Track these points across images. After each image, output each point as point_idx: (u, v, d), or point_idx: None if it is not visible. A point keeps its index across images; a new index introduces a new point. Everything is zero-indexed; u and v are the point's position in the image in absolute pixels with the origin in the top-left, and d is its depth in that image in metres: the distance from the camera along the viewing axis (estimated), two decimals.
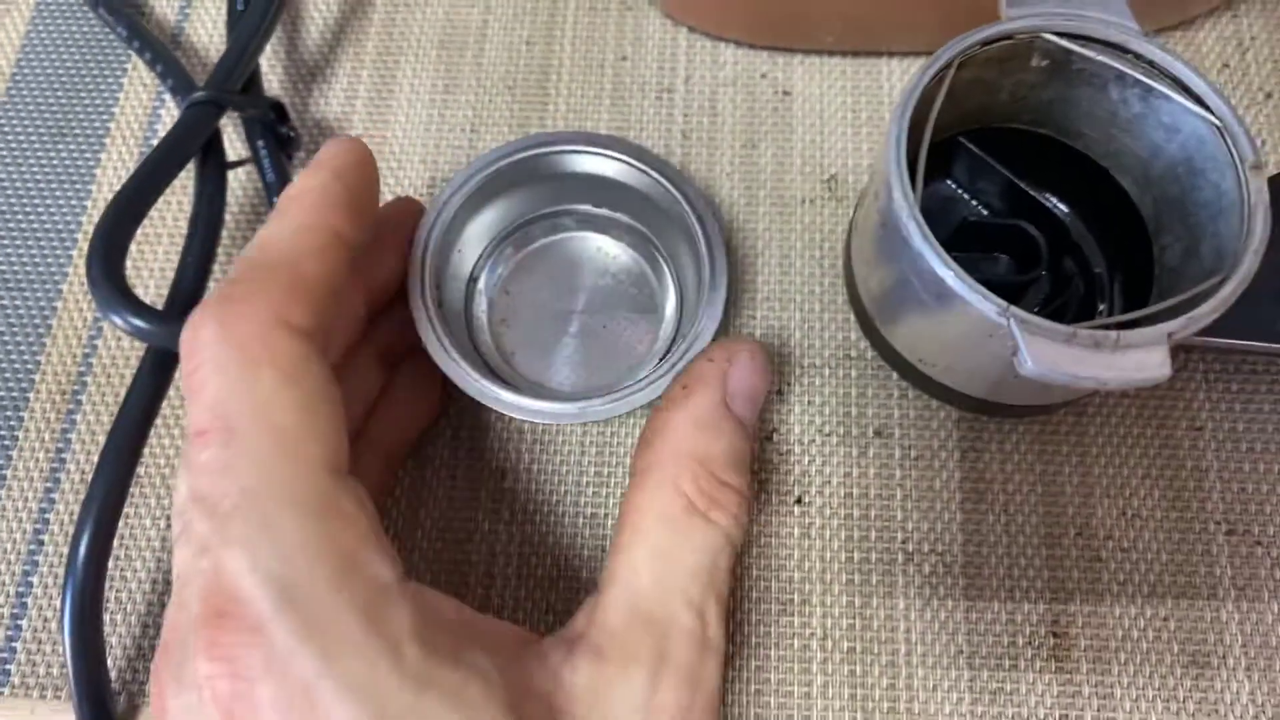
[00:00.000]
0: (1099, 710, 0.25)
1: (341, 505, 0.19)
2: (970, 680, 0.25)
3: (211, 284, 0.27)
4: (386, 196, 0.31)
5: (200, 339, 0.19)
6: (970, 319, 0.21)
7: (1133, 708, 0.25)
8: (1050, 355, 0.20)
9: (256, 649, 0.17)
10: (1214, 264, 0.22)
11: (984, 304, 0.20)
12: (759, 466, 0.27)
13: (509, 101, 0.32)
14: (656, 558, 0.21)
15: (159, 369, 0.25)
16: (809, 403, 0.28)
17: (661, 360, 0.26)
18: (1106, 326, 0.20)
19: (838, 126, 0.31)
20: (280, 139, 0.29)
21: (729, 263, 0.25)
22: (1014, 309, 0.20)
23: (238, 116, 0.29)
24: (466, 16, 0.33)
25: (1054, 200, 0.27)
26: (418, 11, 0.33)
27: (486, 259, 0.28)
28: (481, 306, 0.28)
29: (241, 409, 0.18)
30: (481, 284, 0.28)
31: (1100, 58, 0.23)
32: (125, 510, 0.25)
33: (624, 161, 0.26)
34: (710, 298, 0.25)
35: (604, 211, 0.28)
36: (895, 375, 0.28)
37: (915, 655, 0.26)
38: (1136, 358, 0.20)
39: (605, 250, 0.28)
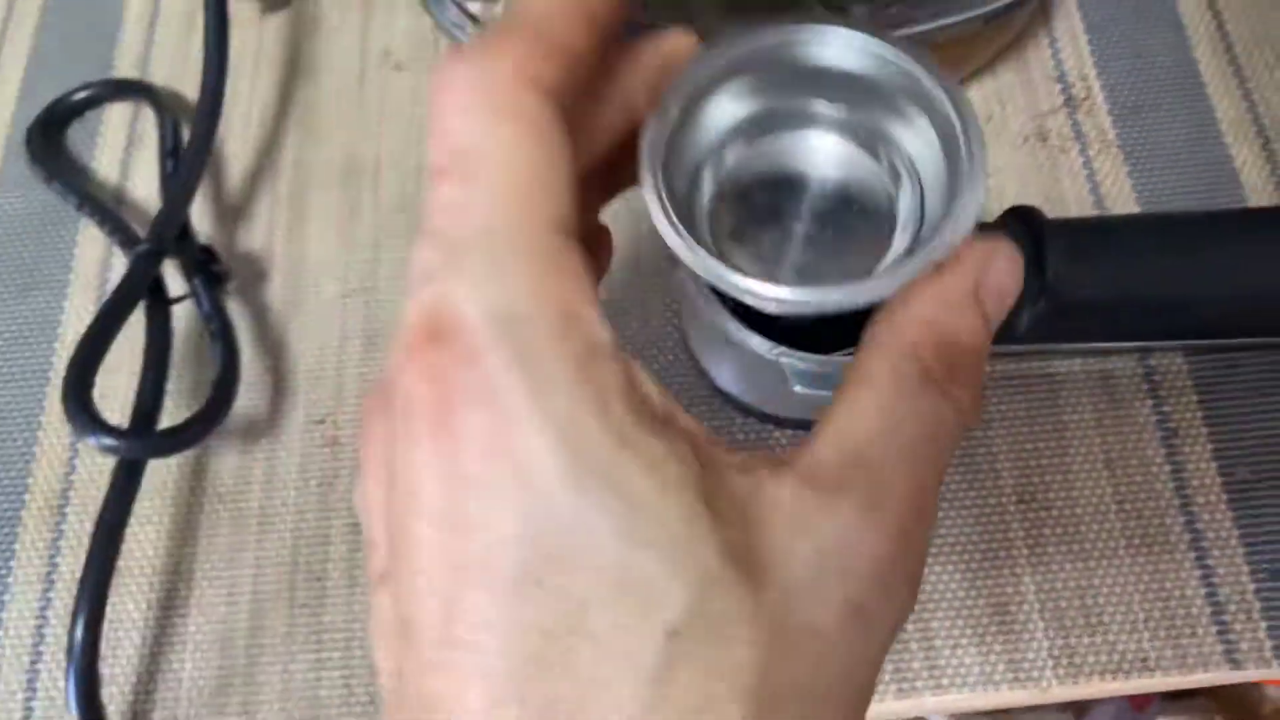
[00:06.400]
0: (925, 661, 0.31)
1: (567, 263, 0.19)
2: None
3: (168, 402, 0.33)
4: (305, 302, 0.37)
5: (453, 80, 0.19)
6: None
7: (950, 671, 0.31)
8: None
9: (471, 374, 0.17)
10: None
11: None
12: None
13: (405, 220, 0.38)
14: (882, 412, 0.19)
15: (129, 476, 0.31)
16: None
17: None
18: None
19: None
20: (213, 276, 0.35)
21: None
22: None
23: (176, 260, 0.35)
24: (362, 153, 0.40)
25: None
26: (322, 152, 0.40)
27: (714, 151, 0.26)
28: (703, 201, 0.26)
29: (483, 156, 0.18)
30: (706, 176, 0.26)
31: None
32: (110, 597, 0.30)
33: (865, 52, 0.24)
34: (969, 179, 0.21)
35: (836, 110, 0.25)
36: None
37: None
38: None
39: (832, 149, 0.26)
